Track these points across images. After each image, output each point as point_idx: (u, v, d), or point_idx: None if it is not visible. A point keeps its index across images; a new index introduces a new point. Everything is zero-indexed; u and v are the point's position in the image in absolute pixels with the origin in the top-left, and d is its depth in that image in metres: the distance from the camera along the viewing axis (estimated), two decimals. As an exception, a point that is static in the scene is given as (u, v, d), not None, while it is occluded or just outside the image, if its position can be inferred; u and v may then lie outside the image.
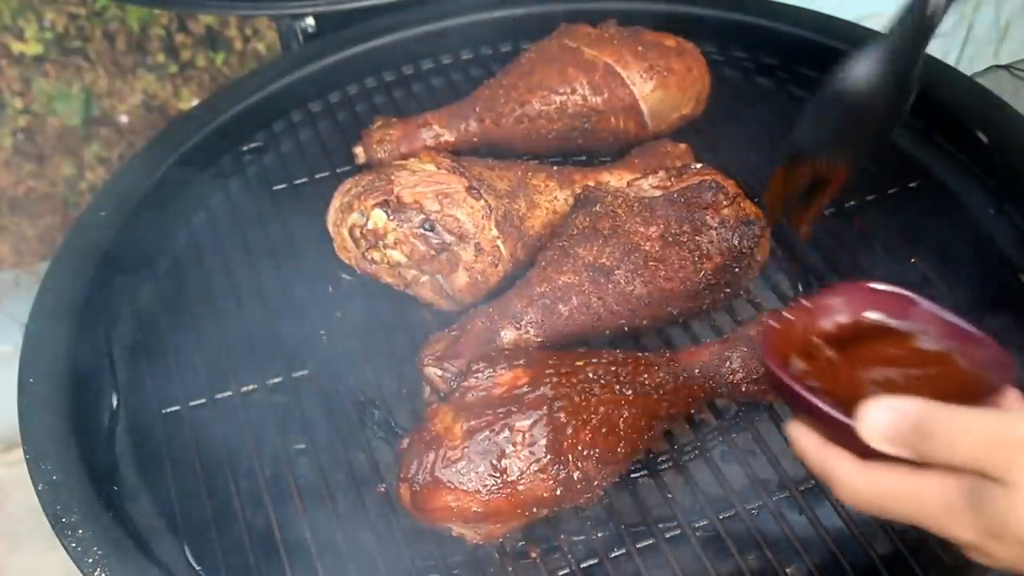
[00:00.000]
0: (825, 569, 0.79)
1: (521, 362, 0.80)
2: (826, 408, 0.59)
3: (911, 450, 0.55)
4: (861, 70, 0.72)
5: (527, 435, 0.76)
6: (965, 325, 0.65)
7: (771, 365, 0.63)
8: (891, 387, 0.58)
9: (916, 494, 0.56)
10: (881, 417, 0.56)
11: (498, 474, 0.75)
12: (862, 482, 0.58)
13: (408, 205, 0.93)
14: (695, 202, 0.92)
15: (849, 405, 0.58)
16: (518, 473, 0.75)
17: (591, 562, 0.81)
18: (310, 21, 1.26)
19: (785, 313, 0.68)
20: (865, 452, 0.58)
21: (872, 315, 0.67)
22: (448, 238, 0.93)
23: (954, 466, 0.54)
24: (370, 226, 0.94)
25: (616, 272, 0.89)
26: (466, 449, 0.75)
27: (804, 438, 0.62)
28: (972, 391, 0.60)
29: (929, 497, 0.55)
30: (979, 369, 0.62)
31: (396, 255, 0.94)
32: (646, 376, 0.82)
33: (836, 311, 0.68)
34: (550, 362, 0.81)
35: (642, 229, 0.91)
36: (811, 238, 0.90)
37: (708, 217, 0.91)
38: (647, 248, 0.90)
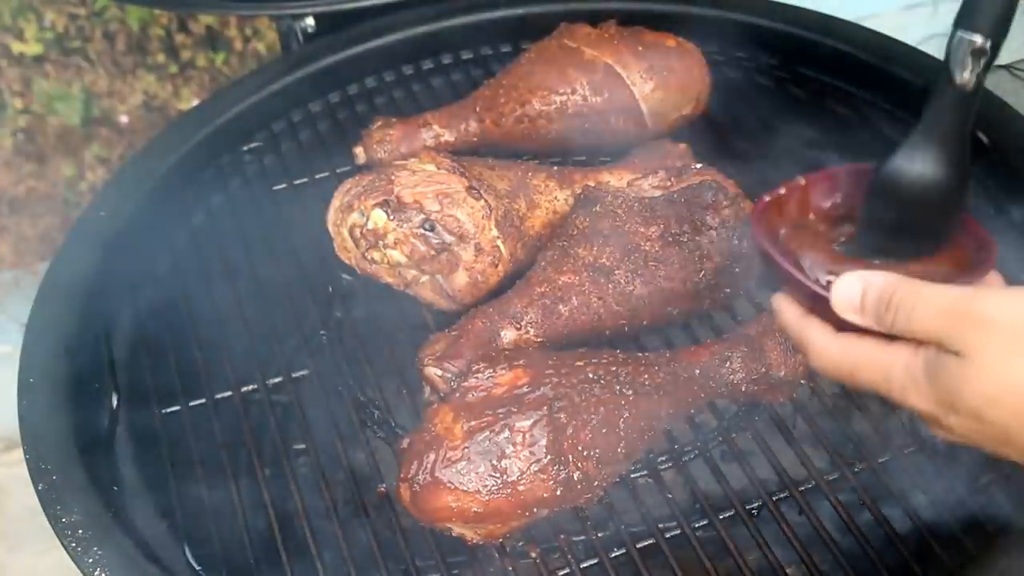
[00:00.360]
0: (825, 569, 0.79)
1: (521, 362, 0.80)
2: (805, 281, 0.62)
3: (876, 320, 0.58)
4: (913, 164, 0.64)
5: (527, 435, 0.76)
6: None
7: (759, 237, 0.65)
8: (878, 266, 0.60)
9: (883, 364, 0.59)
10: (850, 288, 0.59)
11: (498, 474, 0.75)
12: (835, 349, 0.61)
13: (408, 205, 0.93)
14: (695, 202, 0.92)
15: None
16: (518, 473, 0.75)
17: (591, 562, 0.81)
18: (310, 21, 1.26)
19: (781, 188, 0.68)
20: (842, 325, 0.60)
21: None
22: (448, 238, 0.93)
23: (915, 337, 0.57)
24: (370, 226, 0.94)
25: (616, 272, 0.89)
26: (466, 449, 0.75)
27: (787, 310, 0.64)
28: (957, 271, 0.62)
29: (894, 367, 0.58)
30: (965, 251, 0.65)
31: (396, 255, 0.94)
32: (646, 376, 0.82)
33: (833, 191, 0.69)
34: (550, 362, 0.81)
35: (642, 229, 0.91)
36: None
37: (708, 217, 0.91)
38: (647, 248, 0.90)
